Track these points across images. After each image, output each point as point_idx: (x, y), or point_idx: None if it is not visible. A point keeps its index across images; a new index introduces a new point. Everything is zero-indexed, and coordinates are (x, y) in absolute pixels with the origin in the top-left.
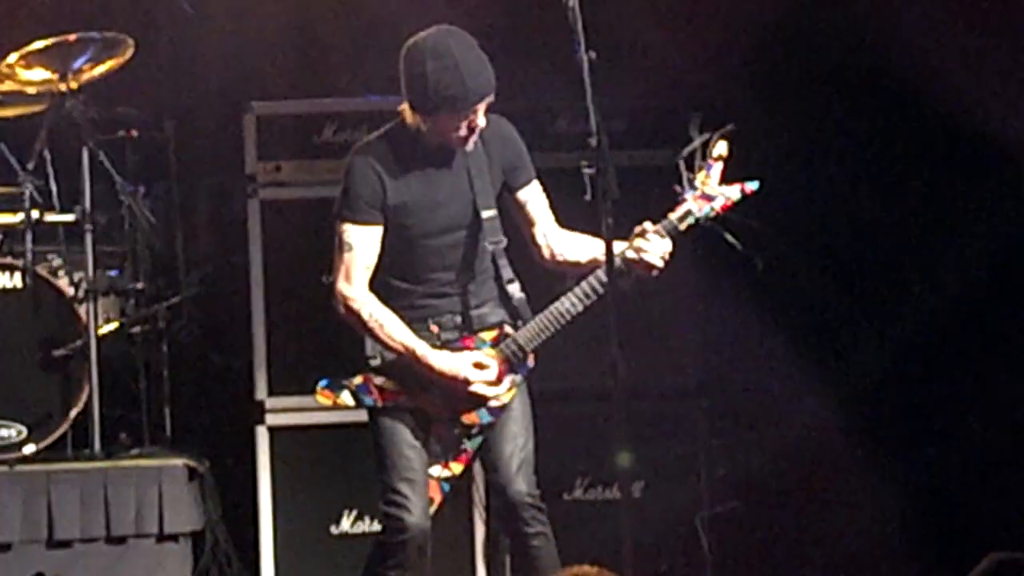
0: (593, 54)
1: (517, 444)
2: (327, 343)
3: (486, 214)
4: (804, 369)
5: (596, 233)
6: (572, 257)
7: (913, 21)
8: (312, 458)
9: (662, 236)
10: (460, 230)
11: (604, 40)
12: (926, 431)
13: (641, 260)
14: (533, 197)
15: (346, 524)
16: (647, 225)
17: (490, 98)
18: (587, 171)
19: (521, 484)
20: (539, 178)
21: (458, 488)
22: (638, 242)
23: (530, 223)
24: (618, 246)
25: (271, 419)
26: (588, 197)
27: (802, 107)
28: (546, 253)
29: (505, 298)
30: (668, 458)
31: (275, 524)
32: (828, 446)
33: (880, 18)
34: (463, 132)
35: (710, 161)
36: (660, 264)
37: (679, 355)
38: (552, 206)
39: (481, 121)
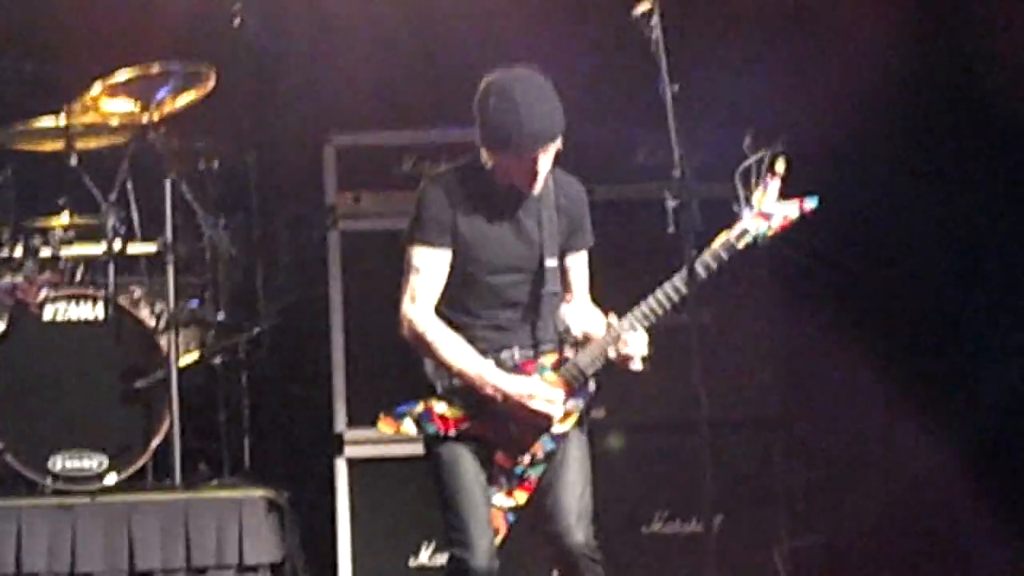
0: (676, 87)
1: (575, 493)
2: (406, 375)
3: (549, 263)
4: (891, 401)
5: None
6: (573, 331)
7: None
8: (391, 490)
9: (639, 324)
10: (523, 273)
11: (684, 70)
12: None
13: (623, 357)
14: (577, 266)
15: (424, 557)
16: (612, 320)
17: (553, 145)
18: (671, 203)
19: (579, 535)
20: (615, 211)
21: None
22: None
23: (566, 288)
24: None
25: (350, 451)
26: (671, 230)
27: (896, 131)
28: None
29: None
30: (747, 490)
31: (354, 556)
32: (918, 480)
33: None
34: (525, 176)
35: (767, 178)
36: (639, 364)
37: (758, 385)
38: (630, 237)
39: (543, 166)
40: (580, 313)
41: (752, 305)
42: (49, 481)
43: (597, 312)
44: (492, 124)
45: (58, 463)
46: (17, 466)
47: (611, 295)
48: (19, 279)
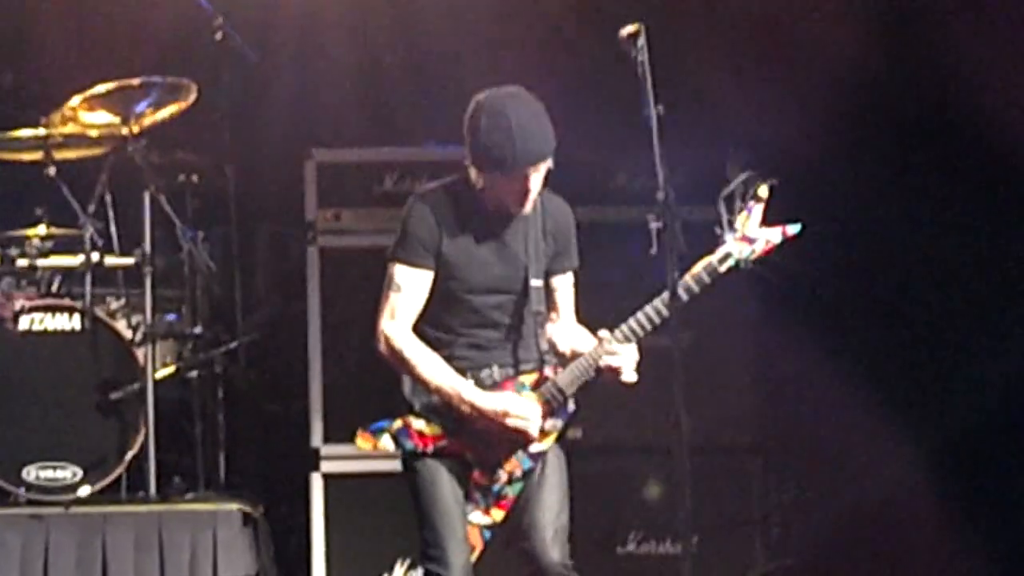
0: (661, 109)
1: (552, 511)
2: (383, 391)
3: (534, 283)
4: (868, 428)
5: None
6: (560, 347)
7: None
8: (366, 506)
9: (623, 342)
10: (507, 294)
11: (667, 92)
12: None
13: (610, 368)
14: (563, 287)
15: (399, 573)
16: (603, 333)
17: (544, 164)
18: (654, 225)
19: (555, 554)
20: (597, 232)
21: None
22: (604, 356)
23: (552, 308)
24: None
25: (326, 466)
26: (654, 251)
27: (873, 155)
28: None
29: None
30: (722, 513)
31: (328, 571)
32: (894, 506)
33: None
34: (516, 195)
35: (750, 203)
36: (631, 376)
37: (735, 410)
38: (612, 258)
39: (534, 186)
40: (566, 331)
41: (732, 330)
42: (22, 491)
43: (584, 331)
44: (483, 142)
45: (32, 473)
46: None
47: (592, 316)
48: None
